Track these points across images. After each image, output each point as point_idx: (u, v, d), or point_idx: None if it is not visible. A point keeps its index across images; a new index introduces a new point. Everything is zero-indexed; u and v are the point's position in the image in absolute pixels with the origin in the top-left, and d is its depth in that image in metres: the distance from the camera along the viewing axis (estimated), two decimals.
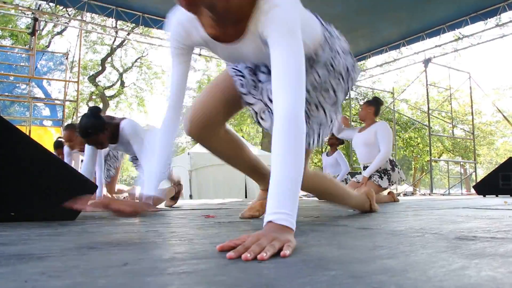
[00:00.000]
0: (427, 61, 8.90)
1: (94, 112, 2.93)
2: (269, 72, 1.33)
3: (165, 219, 1.95)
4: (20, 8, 7.94)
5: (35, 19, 7.91)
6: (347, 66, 1.64)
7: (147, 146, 2.76)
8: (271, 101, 1.51)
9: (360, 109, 4.55)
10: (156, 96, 51.65)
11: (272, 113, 1.46)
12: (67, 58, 10.28)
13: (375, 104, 4.41)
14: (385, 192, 4.44)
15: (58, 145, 4.98)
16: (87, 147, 3.09)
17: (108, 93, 23.02)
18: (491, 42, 8.36)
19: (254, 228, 1.43)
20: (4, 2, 7.42)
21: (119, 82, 23.34)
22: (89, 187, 1.76)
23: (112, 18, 8.46)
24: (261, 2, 1.18)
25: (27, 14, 8.46)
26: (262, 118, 1.58)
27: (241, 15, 1.22)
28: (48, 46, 17.80)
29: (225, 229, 1.44)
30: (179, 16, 1.35)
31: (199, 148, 11.39)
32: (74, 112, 11.71)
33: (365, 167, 4.32)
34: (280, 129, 1.04)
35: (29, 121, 8.83)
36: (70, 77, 11.36)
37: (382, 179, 4.18)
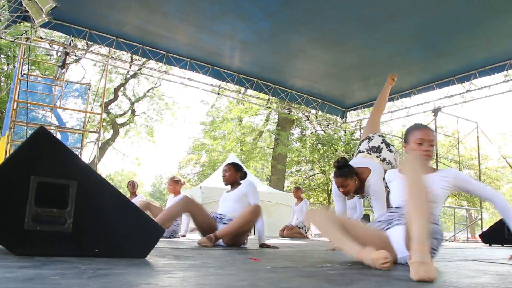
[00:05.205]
0: (436, 110, 9.26)
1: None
2: None
3: (218, 261, 2.20)
4: (55, 43, 8.42)
5: (66, 53, 8.38)
6: None
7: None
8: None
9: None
10: (165, 127, 52.29)
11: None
12: (89, 89, 10.75)
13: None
14: None
15: None
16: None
17: (118, 121, 23.58)
18: (498, 94, 8.69)
19: (310, 275, 1.67)
20: (41, 38, 7.89)
21: (130, 111, 23.95)
22: (157, 229, 2.03)
23: (138, 55, 8.97)
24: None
25: (58, 48, 8.96)
26: None
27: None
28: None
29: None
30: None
31: (210, 183, 11.67)
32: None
33: None
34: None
35: None
36: (91, 108, 11.79)
37: None
